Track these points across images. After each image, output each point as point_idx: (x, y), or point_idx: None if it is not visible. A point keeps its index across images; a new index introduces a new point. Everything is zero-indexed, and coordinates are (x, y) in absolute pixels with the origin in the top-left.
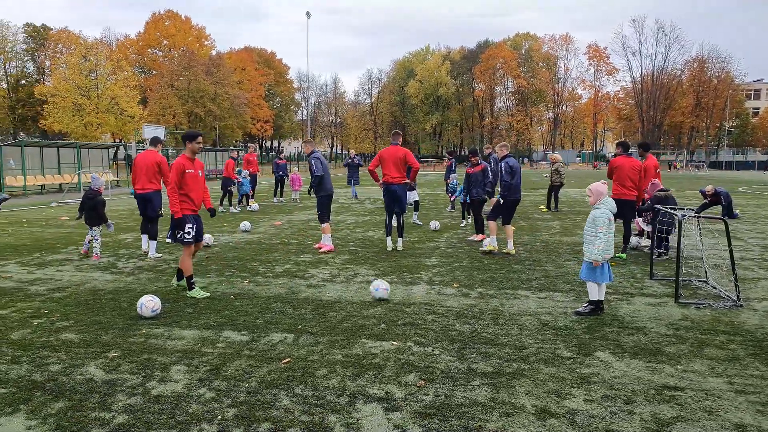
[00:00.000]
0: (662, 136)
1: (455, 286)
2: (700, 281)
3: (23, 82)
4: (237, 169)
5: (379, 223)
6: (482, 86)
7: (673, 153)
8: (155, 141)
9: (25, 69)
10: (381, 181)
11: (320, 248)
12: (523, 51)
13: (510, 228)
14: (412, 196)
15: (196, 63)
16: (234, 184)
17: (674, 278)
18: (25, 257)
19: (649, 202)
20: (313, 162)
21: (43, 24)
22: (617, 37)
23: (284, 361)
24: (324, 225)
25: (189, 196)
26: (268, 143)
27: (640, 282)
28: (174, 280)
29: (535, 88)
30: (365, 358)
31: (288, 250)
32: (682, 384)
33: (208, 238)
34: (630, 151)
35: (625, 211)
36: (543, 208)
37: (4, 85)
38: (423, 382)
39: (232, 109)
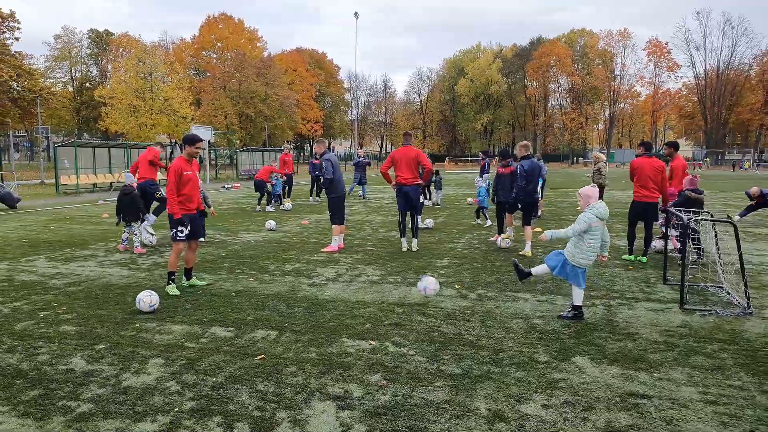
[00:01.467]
0: (728, 135)
1: (457, 287)
2: (716, 287)
3: (87, 85)
4: (272, 174)
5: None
6: (535, 84)
7: (740, 153)
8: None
9: (89, 73)
10: (394, 183)
11: (330, 251)
12: (578, 48)
13: (529, 229)
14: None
15: (247, 65)
16: (267, 186)
17: (688, 284)
18: (55, 252)
19: (677, 198)
20: (324, 164)
21: (105, 30)
22: (679, 31)
23: (258, 357)
24: (335, 226)
25: (185, 195)
26: None
27: (652, 287)
28: (183, 280)
29: (590, 86)
30: (338, 357)
31: (304, 249)
32: (652, 392)
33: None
34: (658, 150)
35: (648, 214)
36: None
37: (70, 88)
38: (385, 383)
39: (282, 110)
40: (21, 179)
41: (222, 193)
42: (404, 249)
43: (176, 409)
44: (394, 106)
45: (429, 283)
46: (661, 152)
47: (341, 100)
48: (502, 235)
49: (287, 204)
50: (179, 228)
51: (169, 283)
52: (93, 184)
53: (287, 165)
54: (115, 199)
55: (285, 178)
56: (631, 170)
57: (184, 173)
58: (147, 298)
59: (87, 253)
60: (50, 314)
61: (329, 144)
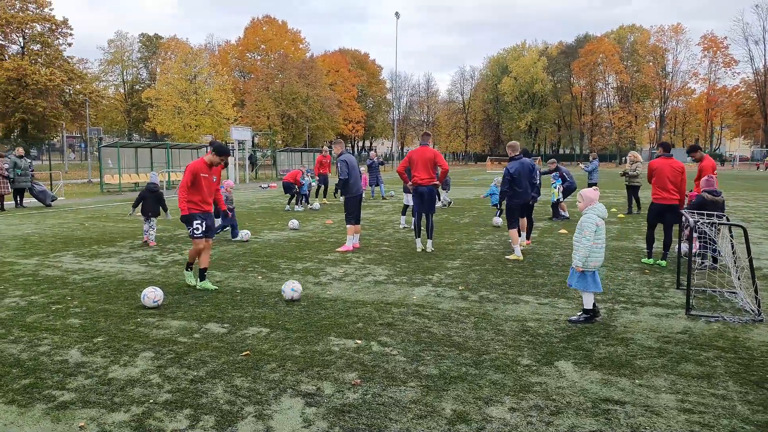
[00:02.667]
0: None
1: (460, 288)
2: (730, 293)
3: (137, 87)
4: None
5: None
6: (582, 82)
7: None
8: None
9: (138, 75)
10: (410, 183)
11: (344, 250)
12: (627, 44)
13: (514, 232)
14: (408, 200)
15: (289, 66)
16: (295, 187)
17: (702, 289)
18: (83, 249)
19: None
20: (339, 165)
21: (155, 33)
22: (737, 25)
23: (243, 354)
24: (349, 226)
25: (199, 195)
26: (360, 143)
27: (663, 291)
28: (198, 282)
29: (639, 84)
30: (320, 355)
31: (320, 249)
32: (627, 399)
33: (244, 233)
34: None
35: (667, 216)
36: (621, 215)
37: (122, 91)
38: (359, 381)
39: (323, 111)
40: (72, 178)
41: (257, 192)
42: (419, 249)
43: (151, 401)
44: (437, 105)
45: (287, 286)
46: (709, 152)
47: (383, 100)
48: (512, 255)
49: (315, 204)
50: (194, 226)
51: (187, 269)
52: (135, 183)
53: (323, 166)
54: (138, 194)
55: (318, 178)
56: (650, 171)
57: (201, 174)
58: (151, 294)
59: (112, 250)
60: (62, 308)
61: (371, 144)
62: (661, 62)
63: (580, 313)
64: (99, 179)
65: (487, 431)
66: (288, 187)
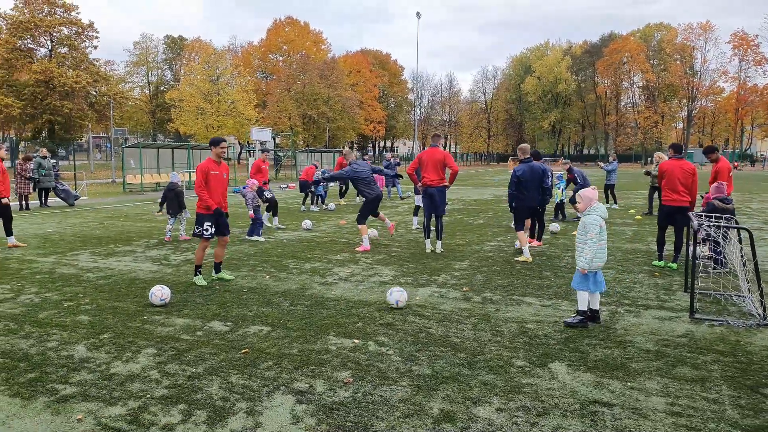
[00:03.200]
0: None
1: (465, 290)
2: (739, 296)
3: (162, 88)
4: (317, 173)
5: (447, 225)
6: (606, 82)
7: None
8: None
9: (163, 77)
10: (420, 183)
11: (363, 250)
12: (654, 43)
13: (521, 234)
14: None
15: (311, 67)
16: (311, 186)
17: (710, 292)
18: (99, 247)
19: (704, 207)
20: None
21: (180, 35)
22: None
23: (242, 351)
24: (361, 226)
25: (214, 195)
26: (381, 143)
27: (670, 294)
28: (213, 273)
29: (666, 83)
30: (317, 354)
31: (330, 249)
32: (616, 401)
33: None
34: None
35: (677, 218)
36: (638, 216)
37: (147, 92)
38: (350, 380)
39: (344, 111)
40: (97, 178)
41: (276, 192)
42: (428, 250)
43: (148, 396)
44: (459, 105)
45: (398, 296)
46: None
47: (404, 100)
48: (521, 257)
49: (330, 204)
50: (204, 226)
51: (196, 275)
52: (156, 183)
53: (344, 167)
54: (162, 194)
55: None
56: (660, 173)
57: (211, 172)
58: (159, 292)
59: (128, 248)
60: (73, 305)
61: (392, 144)
62: (689, 61)
63: (575, 315)
64: (122, 179)
65: (471, 430)
66: (304, 186)
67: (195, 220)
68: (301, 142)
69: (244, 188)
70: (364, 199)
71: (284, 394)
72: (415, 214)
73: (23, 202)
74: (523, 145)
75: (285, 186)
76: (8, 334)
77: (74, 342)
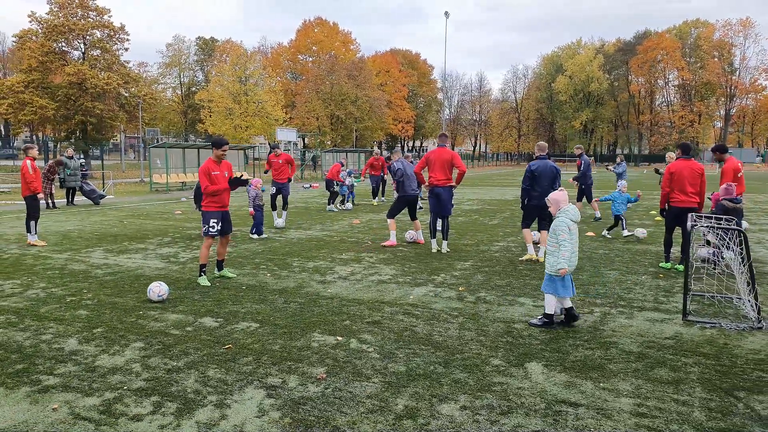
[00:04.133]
0: None
1: (460, 289)
2: (738, 299)
3: (193, 89)
4: (342, 171)
5: (461, 224)
6: (640, 80)
7: None
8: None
9: (195, 78)
10: (427, 183)
11: (389, 245)
12: (690, 40)
13: (527, 231)
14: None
15: (339, 67)
16: (337, 185)
17: (710, 294)
18: (114, 245)
19: (713, 209)
20: (394, 170)
21: (211, 37)
22: None
23: (225, 347)
24: (390, 221)
25: (215, 195)
26: (410, 143)
27: (669, 296)
28: (215, 271)
29: (702, 81)
30: (298, 350)
31: (337, 248)
32: (583, 401)
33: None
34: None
35: (686, 219)
36: (658, 218)
37: (179, 93)
38: (324, 375)
39: (372, 111)
40: (128, 178)
41: (298, 192)
42: (434, 250)
43: (125, 388)
44: (489, 104)
45: (157, 290)
46: None
47: (434, 100)
48: (525, 256)
49: (348, 204)
50: (210, 224)
51: (200, 275)
52: (182, 183)
53: (374, 168)
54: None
55: (363, 179)
56: (667, 174)
57: (212, 173)
58: (156, 289)
59: (140, 246)
60: (75, 300)
61: (421, 144)
62: (727, 58)
63: (540, 317)
64: (149, 179)
65: (431, 427)
66: (329, 184)
67: (201, 219)
68: (329, 142)
69: (249, 186)
70: (399, 195)
71: (256, 389)
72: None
73: (49, 201)
74: (542, 143)
75: (308, 186)
76: (8, 327)
77: (68, 335)
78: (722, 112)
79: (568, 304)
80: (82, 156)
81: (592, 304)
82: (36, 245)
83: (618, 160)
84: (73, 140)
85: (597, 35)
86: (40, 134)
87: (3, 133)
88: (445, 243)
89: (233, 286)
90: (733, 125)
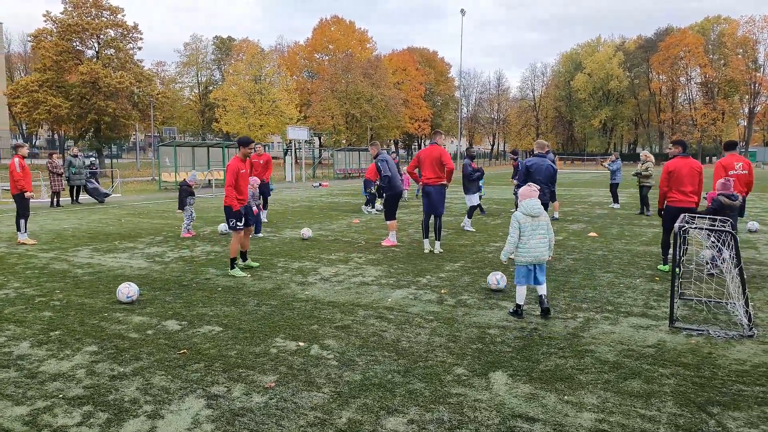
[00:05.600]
0: None
1: (442, 292)
2: (733, 303)
3: (210, 88)
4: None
5: (461, 224)
6: (662, 78)
7: None
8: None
9: (212, 77)
10: (420, 182)
11: (389, 245)
12: (713, 36)
13: None
14: (471, 200)
15: (354, 66)
16: (373, 186)
17: (705, 299)
18: (104, 244)
19: (710, 206)
20: (380, 164)
21: (228, 36)
22: None
23: (180, 352)
24: (389, 222)
25: (240, 191)
26: (427, 142)
27: (660, 301)
28: (240, 261)
29: (726, 78)
30: (254, 356)
31: (328, 248)
32: (542, 416)
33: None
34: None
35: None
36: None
37: (196, 92)
38: (272, 384)
39: (387, 110)
40: (141, 176)
41: (307, 190)
42: (426, 251)
43: (60, 396)
44: (507, 102)
45: (126, 291)
46: None
47: (451, 98)
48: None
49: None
50: (235, 222)
51: (232, 267)
52: None
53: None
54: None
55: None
56: (665, 173)
57: (240, 171)
58: (125, 290)
59: (129, 245)
60: (44, 300)
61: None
62: (751, 55)
63: (514, 306)
64: (158, 177)
65: None
66: (367, 185)
67: (225, 215)
68: (344, 141)
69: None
70: (386, 194)
71: (197, 398)
72: (469, 216)
73: (55, 199)
74: (541, 141)
75: (317, 184)
76: None
77: (22, 338)
78: (746, 109)
79: (540, 292)
80: (91, 155)
81: (577, 308)
82: (26, 243)
83: (613, 157)
84: (87, 139)
85: (617, 33)
86: (60, 133)
87: (23, 132)
88: (437, 243)
89: (210, 287)
90: (758, 123)
